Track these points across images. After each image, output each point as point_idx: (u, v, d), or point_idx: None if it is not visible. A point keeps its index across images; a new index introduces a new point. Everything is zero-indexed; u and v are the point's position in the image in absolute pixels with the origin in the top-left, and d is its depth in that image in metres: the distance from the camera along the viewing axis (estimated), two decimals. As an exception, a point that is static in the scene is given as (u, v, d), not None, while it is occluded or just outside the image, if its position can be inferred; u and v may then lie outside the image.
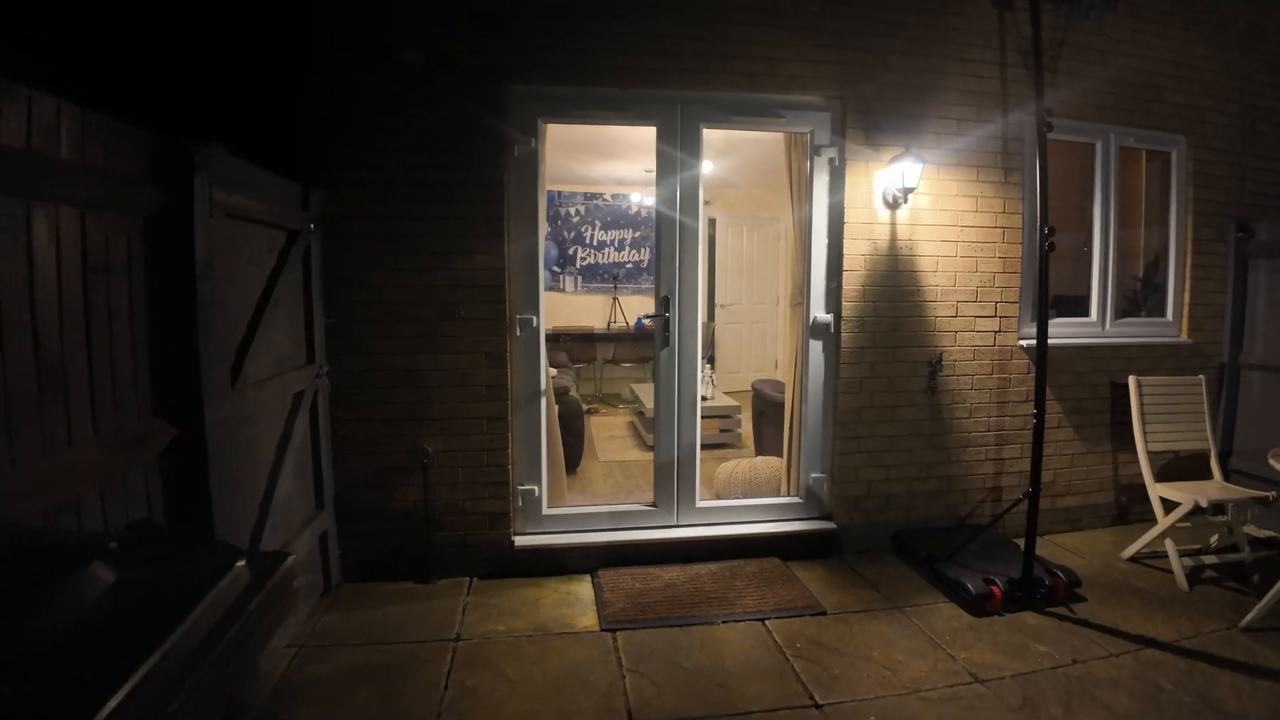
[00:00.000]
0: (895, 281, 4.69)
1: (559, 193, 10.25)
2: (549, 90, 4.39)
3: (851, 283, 4.63)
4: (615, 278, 10.52)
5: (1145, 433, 4.76)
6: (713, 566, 4.56)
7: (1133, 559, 4.77)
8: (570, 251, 10.53)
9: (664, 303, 4.51)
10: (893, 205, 4.64)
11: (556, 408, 4.83)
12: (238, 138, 3.21)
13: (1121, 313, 5.41)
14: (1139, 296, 5.50)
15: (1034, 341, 4.59)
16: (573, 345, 9.81)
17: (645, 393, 7.25)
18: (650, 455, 6.74)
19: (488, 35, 4.26)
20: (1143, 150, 5.50)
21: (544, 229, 4.67)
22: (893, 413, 4.76)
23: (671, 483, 4.64)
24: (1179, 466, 5.17)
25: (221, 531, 2.80)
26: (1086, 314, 5.18)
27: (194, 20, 3.68)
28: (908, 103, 4.64)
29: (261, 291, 3.50)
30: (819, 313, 4.66)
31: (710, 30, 4.40)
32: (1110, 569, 4.65)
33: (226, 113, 3.71)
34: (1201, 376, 4.91)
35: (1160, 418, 4.83)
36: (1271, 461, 3.82)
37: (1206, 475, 4.87)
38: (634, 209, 10.38)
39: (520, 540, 4.51)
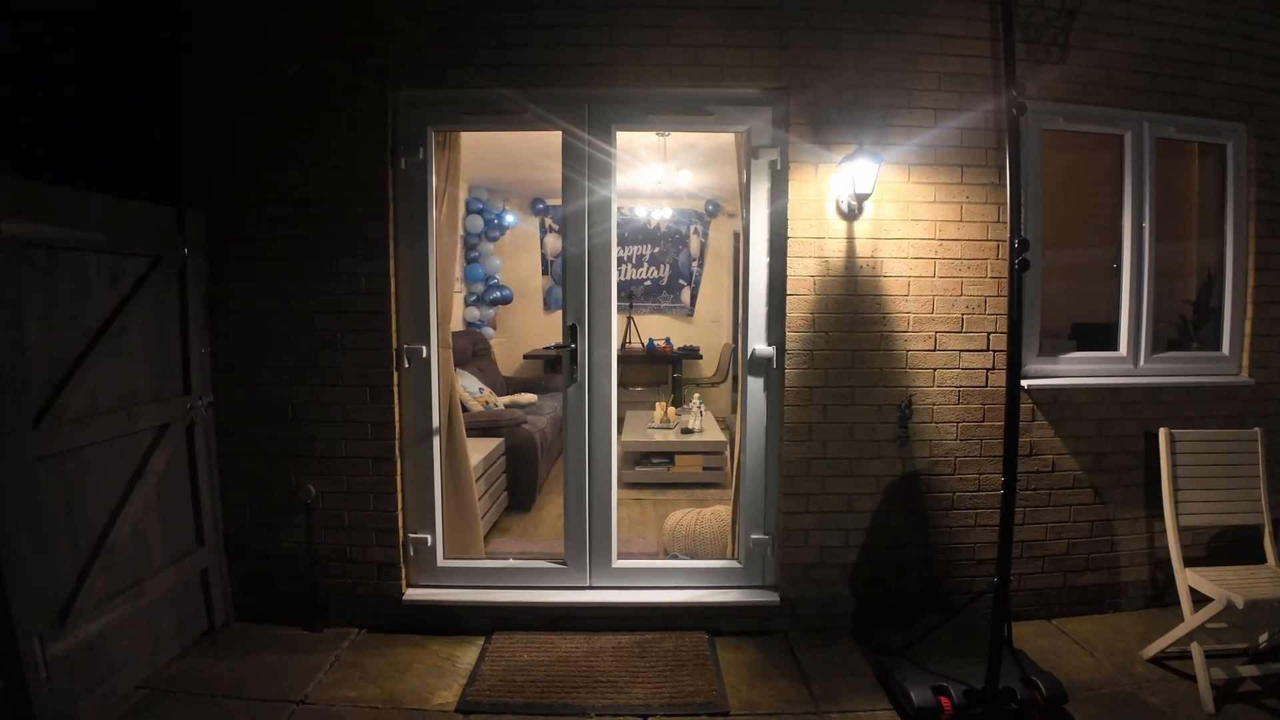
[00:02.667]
0: (854, 307, 3.73)
1: None
2: (438, 95, 3.72)
3: (798, 309, 3.71)
4: (631, 296, 9.69)
5: (1177, 501, 3.63)
6: (624, 639, 3.75)
7: (1156, 659, 3.64)
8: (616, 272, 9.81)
9: (570, 332, 3.71)
10: (849, 215, 3.69)
11: (466, 445, 4.08)
12: (109, 162, 3.19)
13: (1167, 345, 4.24)
14: (1190, 325, 4.30)
15: (1040, 381, 3.59)
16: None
17: (634, 420, 6.43)
18: (626, 493, 6.04)
19: (369, 40, 3.67)
20: (1194, 144, 4.31)
21: (454, 246, 3.98)
22: (852, 466, 3.80)
23: (583, 539, 3.84)
24: (1233, 539, 3.98)
25: (13, 580, 2.68)
26: (1114, 347, 4.04)
27: (49, 42, 3.38)
28: (867, 90, 3.70)
29: (102, 323, 3.21)
30: (759, 344, 3.76)
31: (618, 17, 3.62)
32: (1122, 674, 3.55)
33: (92, 137, 3.46)
34: (1258, 430, 3.73)
35: (1199, 481, 3.68)
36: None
37: (1262, 556, 3.67)
38: (653, 223, 9.52)
39: (411, 593, 3.88)
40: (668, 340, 9.23)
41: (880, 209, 3.70)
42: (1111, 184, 4.08)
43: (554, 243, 9.58)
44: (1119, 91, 3.91)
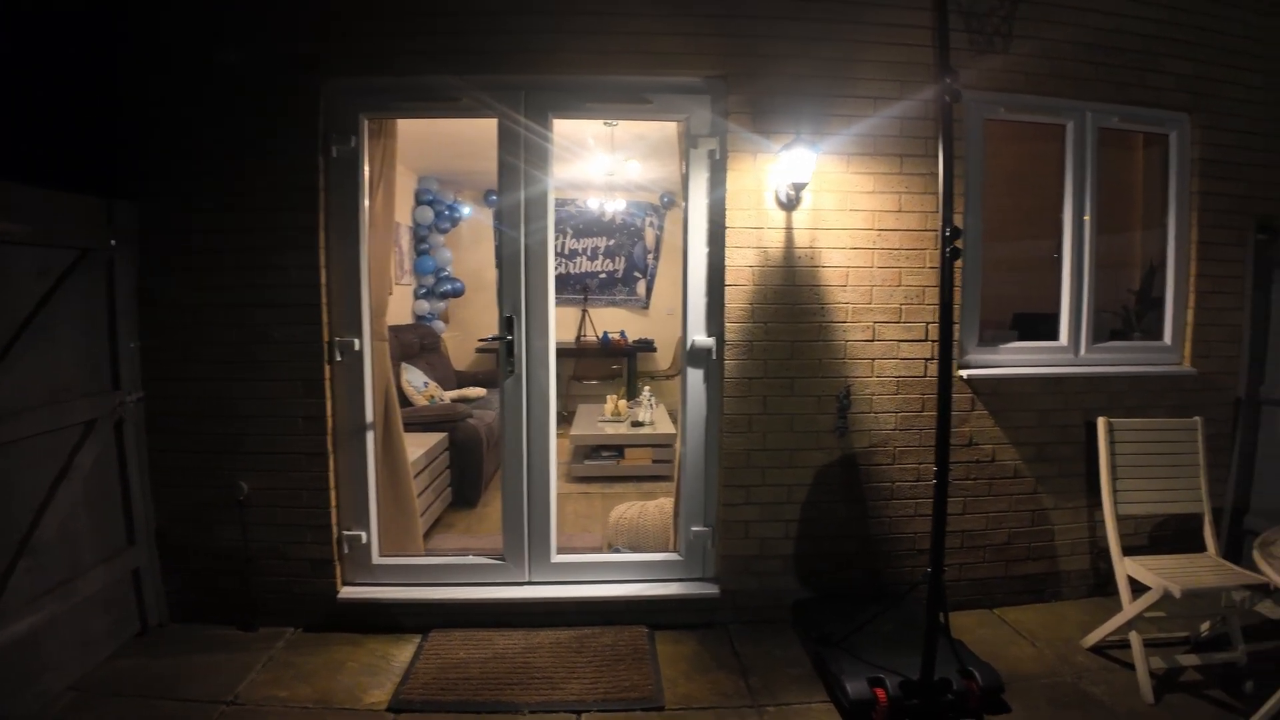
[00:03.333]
0: (793, 298, 3.62)
1: None
2: (371, 82, 3.59)
3: (737, 299, 3.59)
4: (586, 289, 9.53)
5: (1116, 490, 3.56)
6: (562, 635, 3.63)
7: (1097, 648, 3.56)
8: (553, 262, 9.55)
9: (507, 324, 3.59)
10: (788, 205, 3.58)
11: (403, 440, 3.95)
12: (35, 152, 3.06)
13: (1109, 335, 4.15)
14: (1132, 315, 4.22)
15: (980, 371, 3.49)
16: None
17: (586, 413, 6.30)
18: (574, 487, 5.96)
19: (301, 26, 3.52)
20: (1138, 135, 4.22)
21: (389, 237, 3.86)
22: (792, 457, 3.70)
23: (522, 535, 3.72)
24: (1177, 528, 3.91)
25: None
26: (1055, 337, 3.94)
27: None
28: (807, 79, 3.58)
29: (26, 316, 3.07)
30: (698, 335, 3.65)
31: (555, 3, 3.48)
32: (1063, 664, 3.46)
33: (17, 126, 3.25)
34: (1198, 419, 3.64)
35: (1139, 471, 3.61)
36: (1256, 556, 2.63)
37: (1203, 545, 3.59)
38: (607, 215, 9.36)
39: (347, 591, 3.75)
40: (622, 333, 9.05)
41: (819, 199, 3.59)
42: (1059, 175, 3.98)
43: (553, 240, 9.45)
44: (1062, 81, 3.82)
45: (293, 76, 3.52)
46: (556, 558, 3.74)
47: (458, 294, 8.94)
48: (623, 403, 6.52)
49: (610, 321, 9.31)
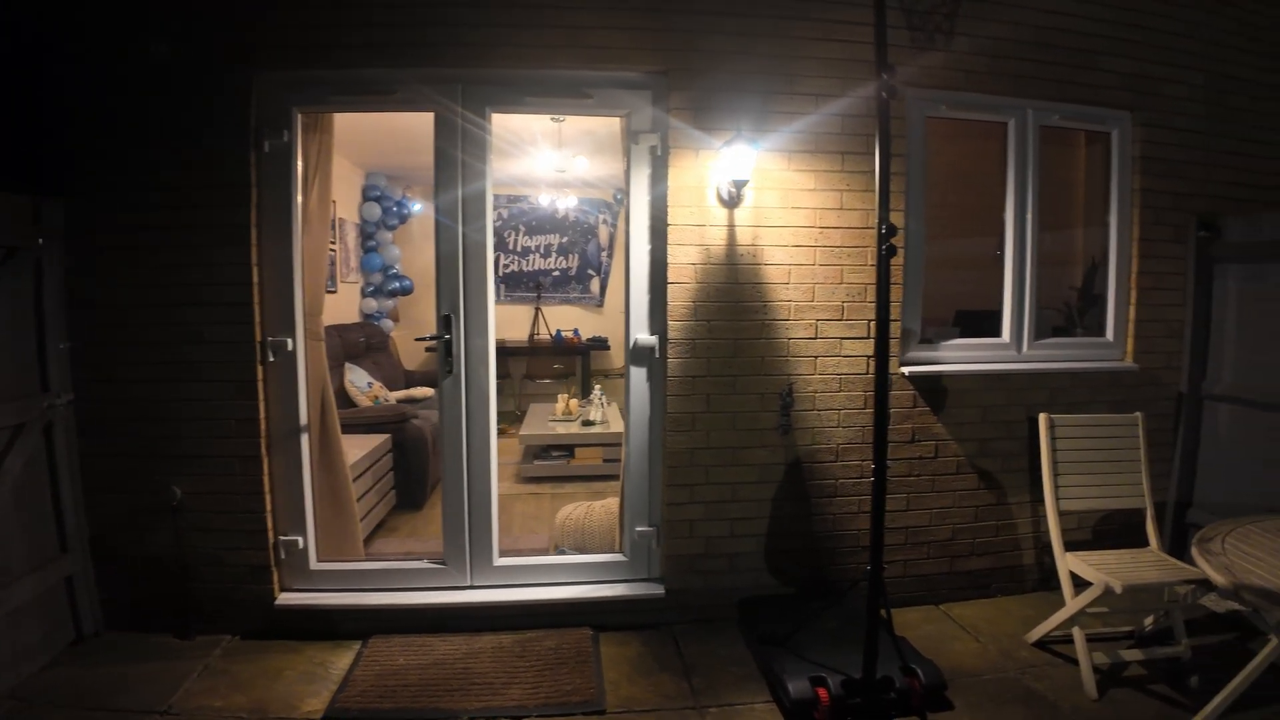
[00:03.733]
0: (735, 296, 3.53)
1: None
2: (306, 75, 3.46)
3: (679, 297, 3.50)
4: (539, 286, 9.29)
5: (1057, 486, 3.51)
6: (505, 639, 3.52)
7: (1041, 643, 3.51)
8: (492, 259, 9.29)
9: (445, 322, 3.46)
10: (730, 203, 3.49)
11: (341, 442, 3.82)
12: None
13: (1051, 332, 4.11)
14: (1075, 312, 4.18)
15: (922, 368, 3.42)
16: None
17: (537, 413, 6.17)
18: (524, 488, 5.82)
19: (234, 17, 3.37)
20: (1080, 133, 4.18)
21: (325, 234, 3.72)
22: (736, 455, 3.61)
23: (463, 537, 3.60)
24: (1122, 523, 3.87)
25: None
26: (998, 334, 3.89)
27: None
28: (749, 76, 3.50)
29: None
30: (641, 334, 3.55)
31: (494, -6, 3.35)
32: (1007, 659, 3.41)
33: None
34: (1138, 415, 3.61)
35: (1080, 466, 3.56)
36: (1194, 552, 2.58)
37: (1146, 540, 3.55)
38: (560, 213, 9.10)
39: (285, 597, 3.61)
40: (575, 331, 8.88)
41: (761, 197, 3.51)
42: (1002, 173, 3.92)
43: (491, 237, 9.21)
44: (1004, 79, 3.77)
45: (224, 69, 3.38)
46: (499, 561, 3.63)
47: (406, 292, 8.65)
48: (574, 402, 6.39)
49: (564, 319, 9.11)
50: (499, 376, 8.56)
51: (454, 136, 3.44)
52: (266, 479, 3.54)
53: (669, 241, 3.47)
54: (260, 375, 3.50)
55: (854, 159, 3.57)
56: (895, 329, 3.70)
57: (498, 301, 8.83)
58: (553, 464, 5.72)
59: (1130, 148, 3.99)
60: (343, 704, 3.05)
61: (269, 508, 3.56)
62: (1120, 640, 3.55)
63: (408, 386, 6.92)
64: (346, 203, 7.74)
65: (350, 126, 5.88)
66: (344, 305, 7.58)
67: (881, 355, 2.79)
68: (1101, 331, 4.05)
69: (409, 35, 3.37)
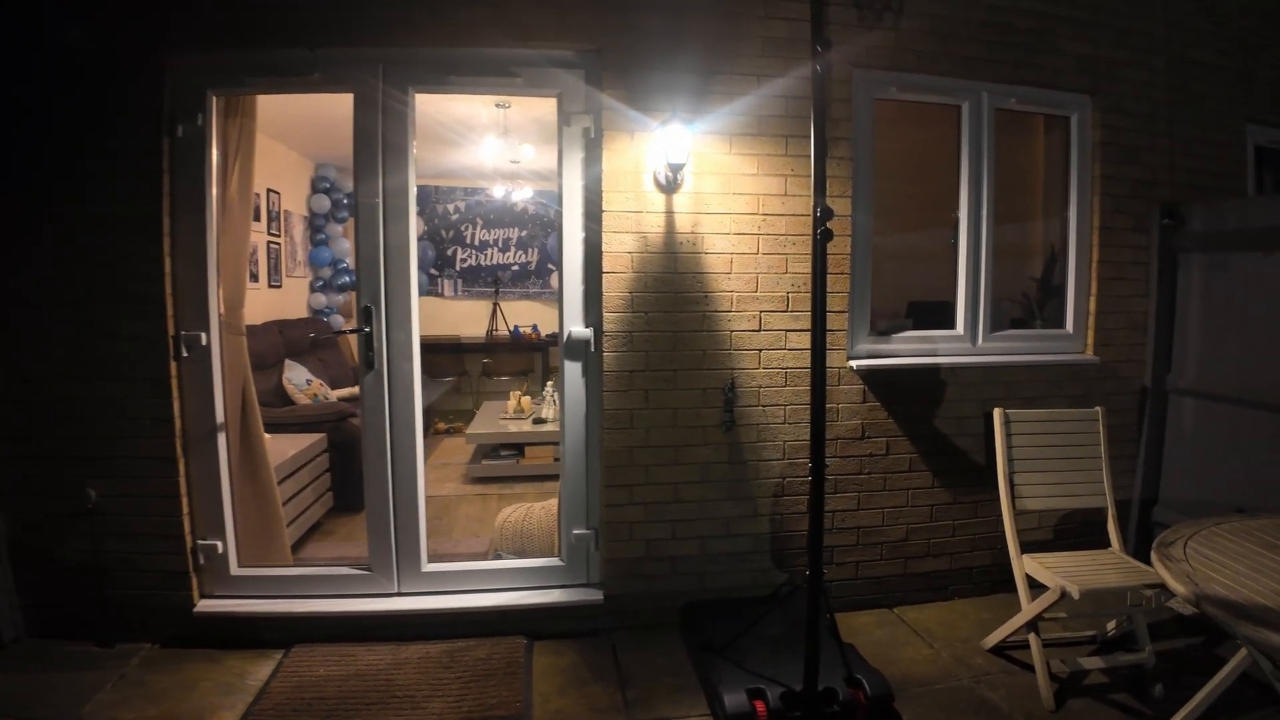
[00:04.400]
0: (675, 286, 3.24)
1: (436, 188, 8.50)
2: (219, 57, 3.17)
3: (615, 287, 3.21)
4: (498, 281, 8.80)
5: (1013, 485, 3.21)
6: (434, 649, 3.23)
7: (997, 649, 3.22)
8: (449, 253, 8.67)
9: (365, 314, 3.16)
10: (667, 188, 3.20)
11: (264, 442, 3.52)
12: None
13: (1010, 323, 3.83)
14: (1033, 303, 3.89)
15: (871, 362, 3.13)
16: (442, 358, 8.21)
17: (489, 411, 5.86)
18: (471, 488, 5.42)
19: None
20: (1039, 119, 3.90)
21: (247, 223, 3.44)
22: (677, 454, 3.32)
23: (389, 542, 3.30)
24: (1082, 522, 3.59)
25: None
26: (952, 326, 3.60)
27: None
28: (687, 54, 3.22)
29: None
30: (575, 326, 3.26)
31: (413, -32, 3.07)
32: (961, 667, 3.12)
33: None
34: (1099, 409, 3.32)
35: (1038, 464, 3.27)
36: (1154, 558, 2.30)
37: (1108, 540, 3.27)
38: (519, 206, 8.64)
39: (205, 604, 3.31)
40: (535, 327, 8.54)
41: (701, 181, 3.22)
42: (957, 159, 3.64)
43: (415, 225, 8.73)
44: (957, 61, 3.49)
45: (135, 52, 3.09)
46: (428, 566, 3.33)
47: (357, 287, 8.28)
48: (526, 399, 6.05)
49: (524, 315, 8.72)
50: (456, 374, 8.29)
51: (375, 117, 3.16)
52: (183, 481, 3.25)
53: (604, 229, 3.18)
54: (174, 372, 3.21)
55: (798, 143, 3.29)
56: (841, 320, 3.40)
57: (454, 297, 8.69)
58: (502, 464, 5.40)
59: (1090, 133, 3.72)
60: (255, 718, 2.78)
61: (186, 511, 3.27)
62: (1081, 645, 3.27)
63: (356, 384, 6.50)
64: (294, 194, 7.35)
65: (297, 116, 5.60)
66: (291, 300, 7.17)
67: (818, 347, 2.52)
68: (1061, 323, 3.77)
69: (327, 13, 3.09)
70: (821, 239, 2.55)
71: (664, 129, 3.09)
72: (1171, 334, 3.78)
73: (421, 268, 8.49)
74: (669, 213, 3.23)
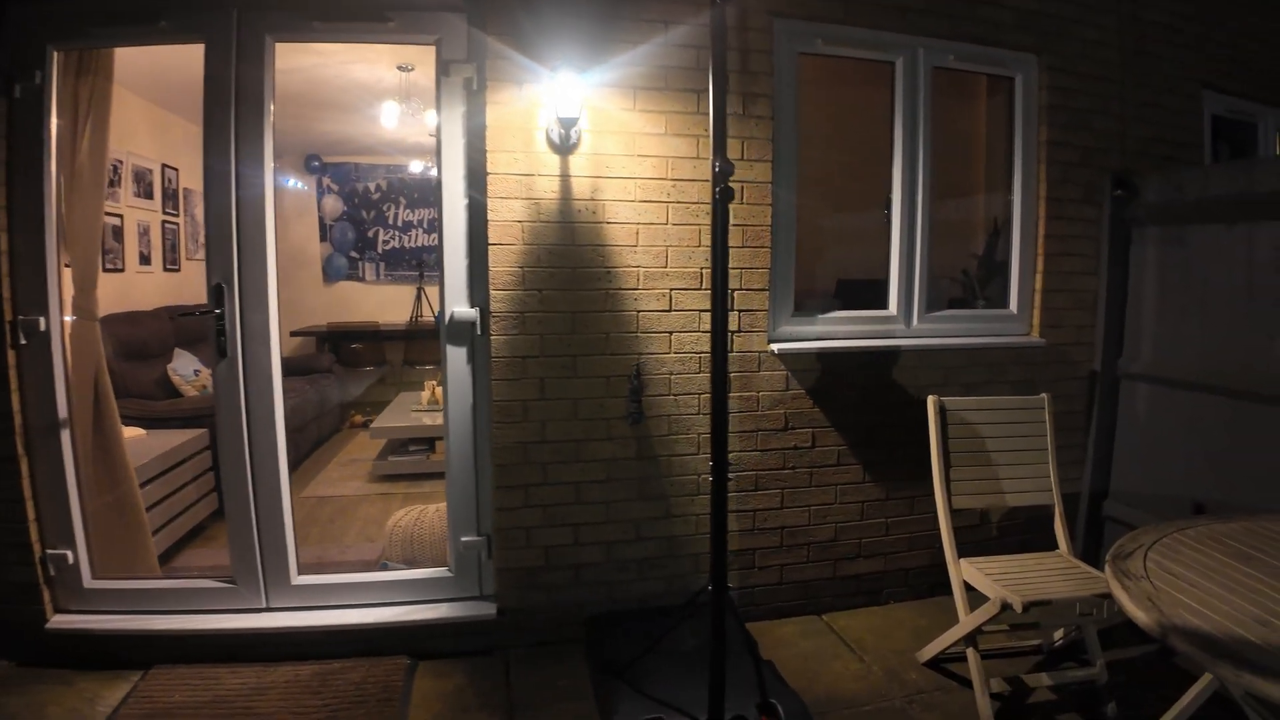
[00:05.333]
0: (573, 260, 2.71)
1: (356, 165, 7.72)
2: (60, 8, 2.56)
3: (504, 261, 2.67)
4: (421, 264, 7.94)
5: (949, 480, 2.72)
6: (305, 670, 2.71)
7: (934, 662, 2.74)
8: (370, 234, 7.85)
9: (216, 294, 2.60)
10: (563, 148, 2.66)
11: (122, 439, 2.96)
12: None
13: (949, 303, 3.33)
14: (974, 281, 3.40)
15: (794, 344, 2.62)
16: (361, 347, 7.54)
17: (404, 403, 5.27)
18: (376, 487, 4.75)
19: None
20: (982, 82, 3.40)
21: (99, 194, 2.87)
22: (579, 450, 2.80)
23: (253, 552, 2.76)
24: (1029, 517, 3.11)
25: None
26: (884, 305, 3.10)
27: None
28: (584, -5, 2.65)
29: None
30: (458, 306, 2.72)
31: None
32: (893, 683, 2.64)
33: None
34: (1044, 396, 2.83)
35: (977, 457, 2.78)
36: (1109, 574, 1.80)
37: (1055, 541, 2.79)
38: None
39: (58, 620, 2.78)
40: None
41: (601, 141, 2.69)
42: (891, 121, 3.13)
43: (333, 205, 7.78)
44: (890, 12, 2.98)
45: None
46: (298, 579, 2.80)
47: None
48: (440, 389, 5.45)
49: None
50: (375, 364, 7.66)
51: (228, 70, 2.61)
52: (27, 483, 2.72)
53: (489, 194, 2.65)
54: (12, 361, 2.65)
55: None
56: (762, 300, 2.89)
57: (375, 281, 7.95)
58: (410, 459, 4.82)
59: (1036, 95, 3.24)
60: None
61: (32, 516, 2.74)
62: (1027, 656, 2.80)
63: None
64: (195, 170, 6.64)
65: (195, 85, 4.97)
66: (190, 285, 6.32)
67: (719, 325, 2.04)
68: (1005, 303, 3.29)
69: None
70: (722, 199, 2.03)
71: (554, 78, 2.55)
72: (1124, 314, 3.31)
73: (341, 250, 7.79)
74: (565, 176, 2.69)
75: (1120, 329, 3.32)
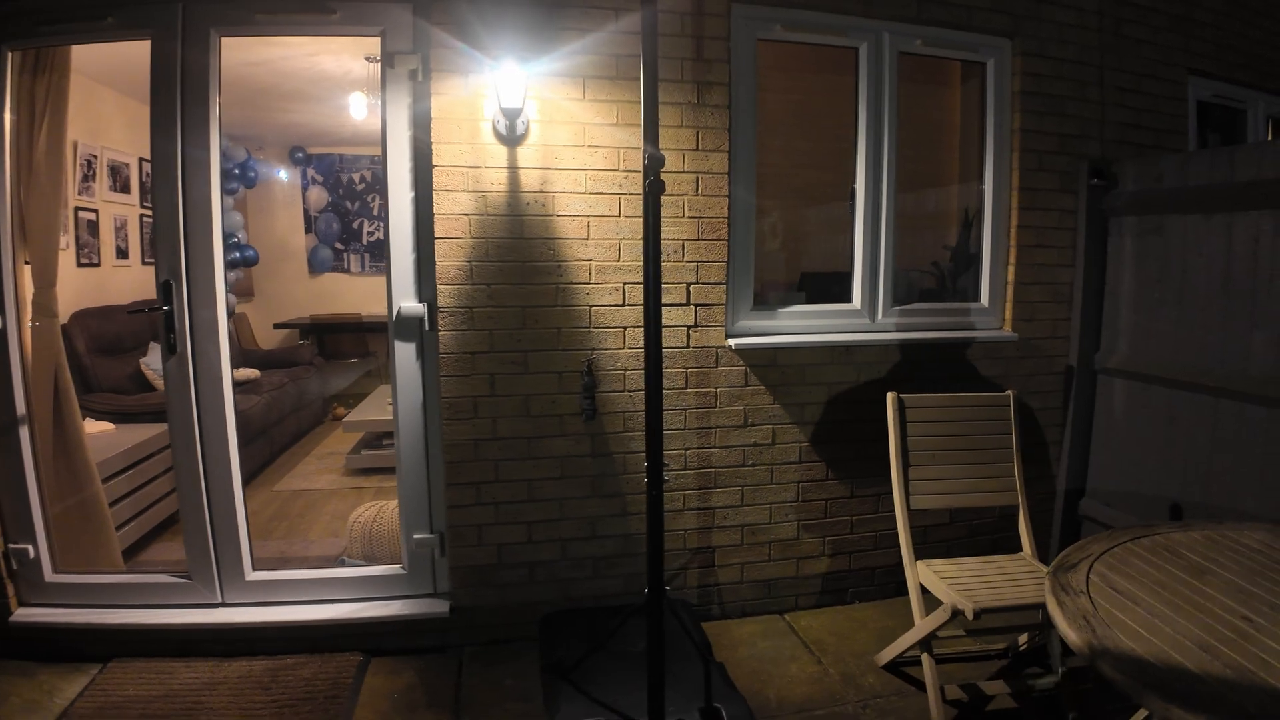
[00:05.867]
0: (522, 253, 2.58)
1: (340, 156, 7.48)
2: (10, 7, 2.52)
3: (451, 255, 2.55)
4: None
5: (907, 480, 2.56)
6: (258, 666, 2.63)
7: (893, 666, 2.59)
8: (355, 225, 7.60)
9: (164, 290, 2.51)
10: (510, 139, 2.53)
11: (83, 435, 2.89)
12: None
13: (920, 296, 3.16)
14: (946, 273, 3.22)
15: (753, 340, 2.48)
16: (344, 339, 7.38)
17: (380, 397, 5.14)
18: (349, 481, 4.62)
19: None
20: (954, 69, 3.21)
21: (57, 192, 2.79)
22: (531, 447, 2.67)
23: (207, 548, 2.67)
24: (1001, 516, 2.94)
25: None
26: (849, 299, 2.93)
27: None
28: (531, -19, 2.51)
29: None
30: (406, 301, 2.61)
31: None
32: (849, 687, 2.50)
33: None
34: (1010, 393, 2.65)
35: (938, 456, 2.62)
36: (1048, 589, 1.65)
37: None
38: None
39: (21, 613, 2.71)
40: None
41: (550, 131, 2.55)
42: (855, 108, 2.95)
43: (318, 196, 7.53)
44: (856, -4, 2.78)
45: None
46: (252, 575, 2.71)
47: (250, 263, 6.92)
48: None
49: None
50: (359, 355, 7.54)
51: (173, 63, 2.50)
52: (-15, 479, 2.61)
53: (435, 187, 2.52)
54: (-32, 359, 2.56)
55: (667, 88, 2.61)
56: (719, 294, 2.74)
57: (361, 273, 7.76)
58: (383, 453, 4.71)
59: (1009, 81, 3.04)
60: None
61: (-9, 513, 2.63)
62: (990, 660, 2.64)
63: (243, 366, 5.62)
64: None
65: None
66: None
67: (652, 322, 1.89)
68: (976, 296, 3.10)
69: (104, -62, 2.40)
70: (651, 191, 1.89)
71: (497, 68, 2.41)
72: (1100, 308, 3.12)
73: (326, 241, 7.55)
74: (513, 168, 2.56)
75: (1097, 323, 3.14)
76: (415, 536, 2.73)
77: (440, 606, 2.72)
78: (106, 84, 4.78)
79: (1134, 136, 3.18)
